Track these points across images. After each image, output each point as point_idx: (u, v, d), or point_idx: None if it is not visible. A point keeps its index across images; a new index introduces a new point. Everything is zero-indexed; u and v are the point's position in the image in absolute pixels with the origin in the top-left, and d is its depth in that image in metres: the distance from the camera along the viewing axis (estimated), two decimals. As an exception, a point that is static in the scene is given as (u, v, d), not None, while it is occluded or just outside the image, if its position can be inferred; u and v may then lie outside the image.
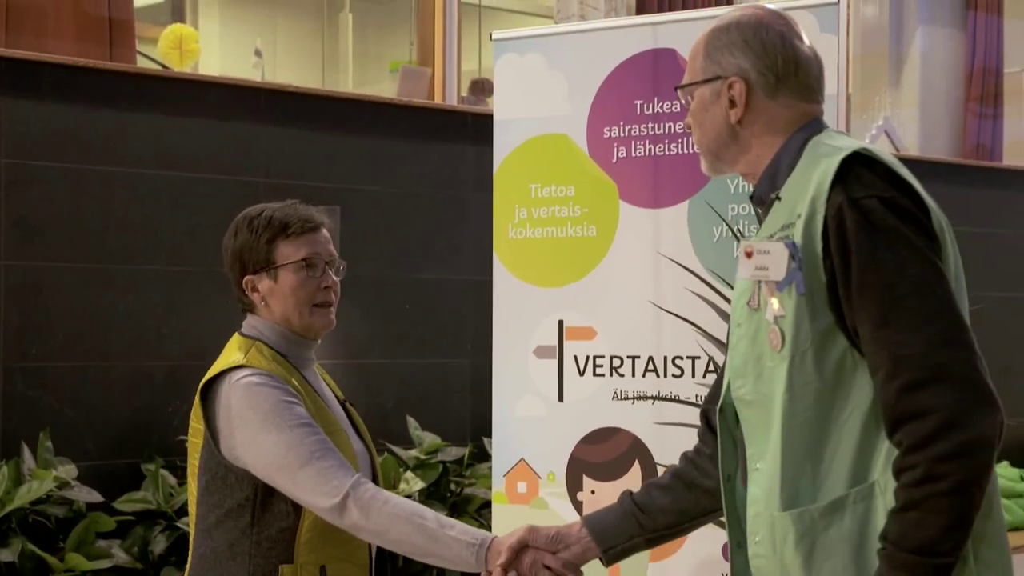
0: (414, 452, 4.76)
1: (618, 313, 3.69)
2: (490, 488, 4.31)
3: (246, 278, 2.58)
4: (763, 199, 2.07)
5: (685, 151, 3.61)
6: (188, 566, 2.59)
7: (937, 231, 1.92)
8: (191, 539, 2.58)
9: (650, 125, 3.67)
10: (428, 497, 4.65)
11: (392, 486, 4.62)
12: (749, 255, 2.00)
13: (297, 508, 2.46)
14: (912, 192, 1.91)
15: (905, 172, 1.94)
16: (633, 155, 3.69)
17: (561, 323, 3.77)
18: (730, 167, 2.12)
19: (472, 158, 5.30)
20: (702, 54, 2.11)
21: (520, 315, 3.82)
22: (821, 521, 1.92)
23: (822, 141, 2.02)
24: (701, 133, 2.12)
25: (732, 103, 2.06)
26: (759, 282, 2.00)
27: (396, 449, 4.79)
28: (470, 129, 5.36)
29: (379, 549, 2.65)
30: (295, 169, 4.96)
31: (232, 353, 2.55)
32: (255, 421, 2.42)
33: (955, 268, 1.97)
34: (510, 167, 3.85)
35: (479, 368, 5.12)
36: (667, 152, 3.65)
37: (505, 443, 3.80)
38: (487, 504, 4.59)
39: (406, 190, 5.22)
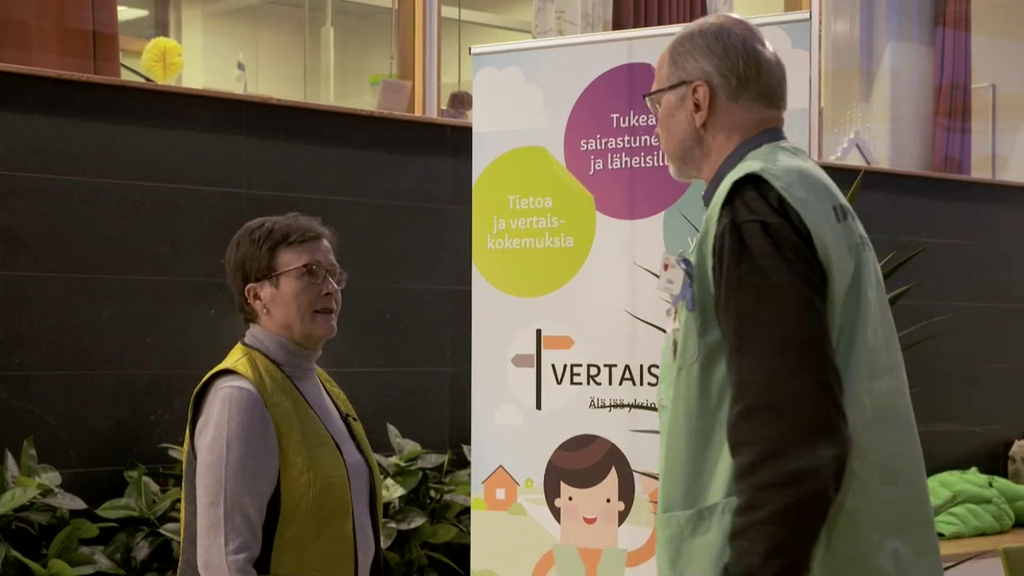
0: (394, 459, 4.76)
1: (595, 322, 3.71)
2: (469, 495, 4.32)
3: (248, 286, 2.60)
4: (705, 206, 2.10)
5: (660, 163, 3.63)
6: (178, 570, 2.59)
7: (822, 259, 1.88)
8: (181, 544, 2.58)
9: (626, 138, 3.69)
10: (408, 503, 4.65)
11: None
12: (665, 267, 2.03)
13: (273, 518, 2.46)
14: (798, 219, 1.88)
15: (798, 197, 1.91)
16: (609, 167, 3.71)
17: (539, 332, 3.78)
18: (696, 172, 2.14)
19: (451, 170, 5.31)
20: (668, 61, 2.13)
21: (499, 324, 3.83)
22: (687, 527, 1.93)
23: (756, 155, 2.03)
24: (668, 138, 2.14)
25: (697, 107, 2.07)
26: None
27: (377, 456, 4.76)
28: (449, 141, 5.37)
29: (373, 568, 2.64)
30: (276, 181, 4.95)
31: (226, 362, 2.57)
32: (211, 433, 2.45)
33: (859, 291, 1.93)
34: (489, 179, 3.87)
35: (458, 377, 5.13)
36: (643, 164, 3.67)
37: (484, 450, 3.81)
38: (466, 510, 4.59)
39: (386, 201, 5.22)
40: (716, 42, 2.08)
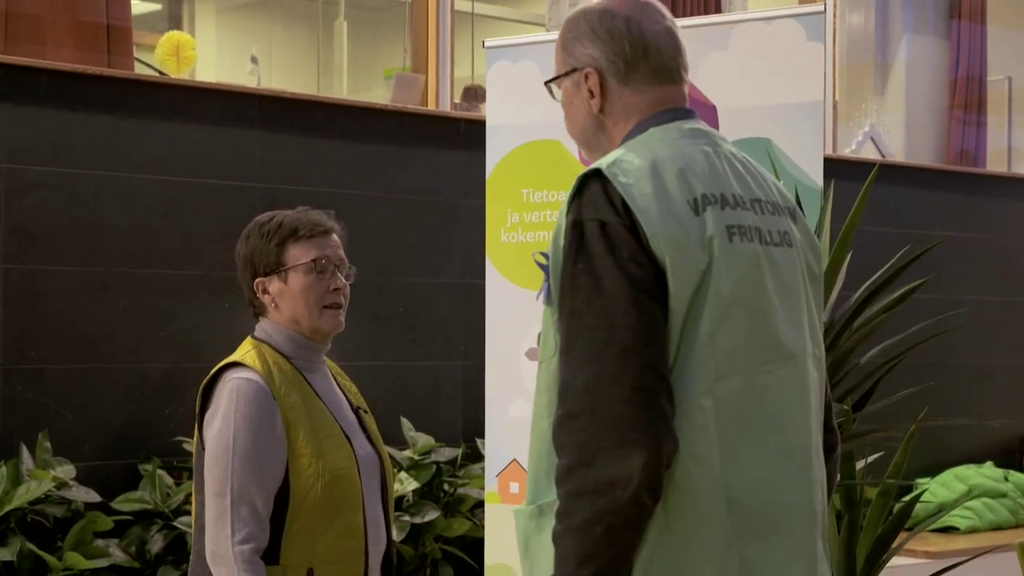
0: (408, 453, 4.76)
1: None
2: (483, 488, 4.32)
3: (257, 280, 2.61)
4: None
5: (674, 157, 3.63)
6: (190, 561, 2.60)
7: (659, 260, 1.82)
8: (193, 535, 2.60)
9: (640, 131, 3.69)
10: (422, 497, 4.66)
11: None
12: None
13: (283, 509, 2.46)
14: (636, 219, 1.83)
15: (641, 194, 1.86)
16: (623, 161, 3.71)
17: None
18: (602, 155, 2.05)
19: (465, 163, 5.31)
20: (560, 47, 2.09)
21: (512, 318, 3.83)
22: (532, 522, 1.93)
23: (633, 143, 1.98)
24: (571, 124, 2.09)
25: (591, 93, 2.03)
26: None
27: (390, 450, 4.75)
28: (463, 135, 5.37)
29: (384, 561, 2.63)
30: (289, 175, 4.96)
31: (236, 353, 2.59)
32: (218, 425, 2.47)
33: (708, 287, 1.85)
34: (502, 172, 3.87)
35: (471, 370, 5.13)
36: (657, 158, 3.66)
37: (498, 444, 3.81)
38: (480, 504, 4.59)
39: (399, 195, 5.22)
40: (600, 26, 2.03)
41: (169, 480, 4.37)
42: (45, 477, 4.01)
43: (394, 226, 5.20)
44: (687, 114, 2.04)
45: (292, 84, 6.42)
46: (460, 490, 4.78)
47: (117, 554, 4.11)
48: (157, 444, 4.53)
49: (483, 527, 4.03)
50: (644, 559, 1.80)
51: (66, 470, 4.18)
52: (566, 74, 2.06)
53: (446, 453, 4.83)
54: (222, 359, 2.61)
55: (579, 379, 1.79)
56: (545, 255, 1.94)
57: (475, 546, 4.59)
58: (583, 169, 1.91)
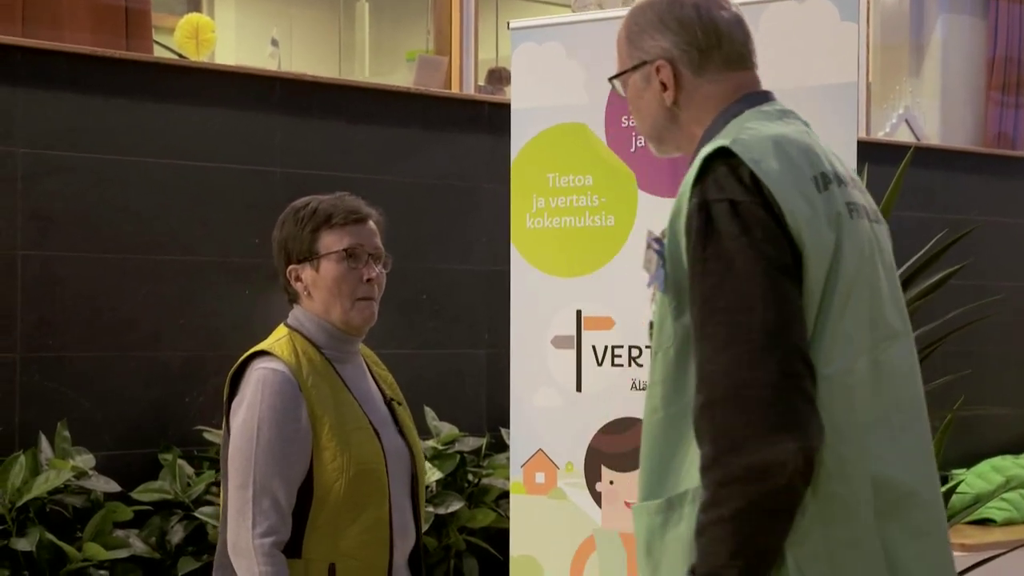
0: (431, 443, 4.76)
1: (636, 303, 3.69)
2: (508, 478, 4.32)
3: (290, 267, 2.60)
4: None
5: (704, 140, 3.61)
6: (216, 551, 2.60)
7: (795, 237, 1.80)
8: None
9: (669, 114, 3.67)
10: (445, 487, 4.66)
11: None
12: (647, 247, 1.98)
13: (306, 503, 2.46)
14: (770, 195, 1.81)
15: (770, 170, 1.83)
16: (651, 144, 3.69)
17: (579, 313, 3.77)
18: (675, 149, 2.08)
19: (489, 148, 5.30)
20: (625, 41, 2.07)
21: (538, 305, 3.82)
22: (658, 517, 1.89)
23: (733, 126, 1.96)
24: (641, 120, 2.08)
25: (664, 86, 2.01)
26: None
27: (413, 440, 4.78)
28: (487, 118, 5.36)
29: (412, 556, 2.62)
30: (310, 159, 4.96)
31: (266, 342, 2.58)
32: (243, 415, 2.46)
33: (840, 263, 1.85)
34: (528, 156, 3.85)
35: (496, 358, 5.13)
36: (686, 141, 3.65)
37: (523, 433, 3.81)
38: (505, 494, 4.60)
39: (422, 180, 5.22)
40: (669, 15, 2.01)
41: (190, 470, 4.38)
42: (64, 467, 4.03)
43: (417, 211, 5.20)
44: (768, 96, 2.03)
45: (313, 67, 6.41)
46: (485, 480, 4.78)
47: (137, 544, 4.13)
48: (177, 433, 4.54)
49: (508, 518, 4.03)
50: (795, 545, 1.78)
51: (85, 459, 4.20)
52: (634, 68, 2.03)
53: (470, 443, 4.83)
54: (244, 346, 2.62)
55: (718, 365, 1.76)
56: (659, 240, 1.91)
57: (500, 537, 4.59)
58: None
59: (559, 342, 3.79)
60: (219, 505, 4.24)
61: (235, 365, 2.56)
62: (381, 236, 2.65)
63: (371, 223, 2.63)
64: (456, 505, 4.59)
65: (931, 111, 7.73)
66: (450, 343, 5.23)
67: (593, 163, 3.76)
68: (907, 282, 3.00)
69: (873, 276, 1.92)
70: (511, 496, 3.88)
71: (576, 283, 3.78)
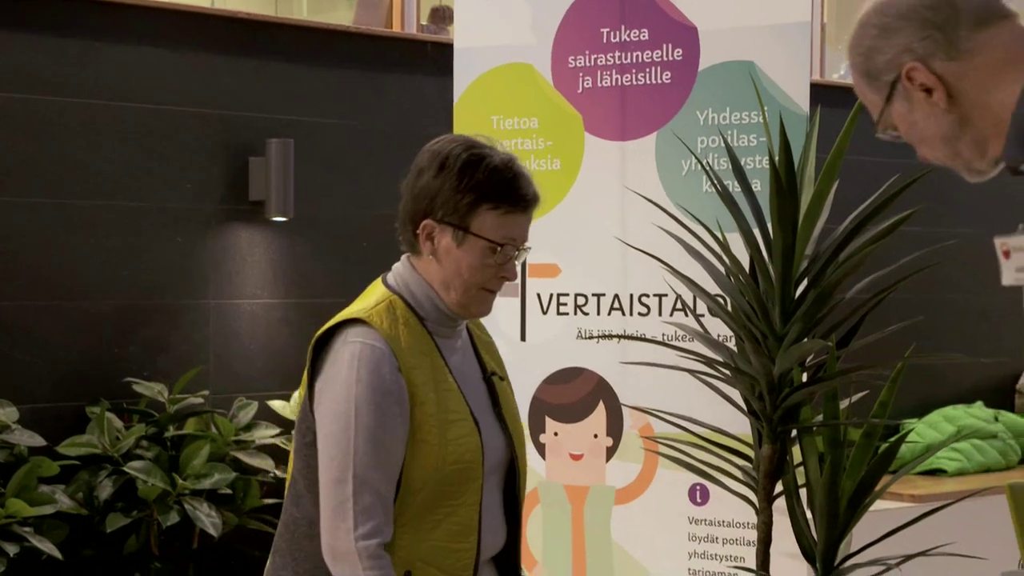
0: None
1: (582, 250, 3.70)
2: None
3: (427, 220, 2.32)
4: (1012, 170, 1.69)
5: (653, 81, 3.60)
6: (276, 532, 2.38)
7: None
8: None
9: (617, 54, 3.66)
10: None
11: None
12: (1007, 255, 1.74)
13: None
14: None
15: None
16: (599, 85, 3.68)
17: (524, 260, 3.77)
18: (980, 155, 1.73)
19: (433, 90, 5.27)
20: (863, 81, 1.76)
21: (481, 252, 3.81)
22: None
23: None
24: (929, 147, 1.75)
25: (927, 91, 1.70)
26: None
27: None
28: (430, 59, 5.32)
29: (502, 562, 2.39)
30: (250, 101, 4.92)
31: (362, 303, 2.33)
32: (337, 397, 2.22)
33: None
34: (471, 98, 3.84)
35: (439, 308, 5.12)
36: (634, 82, 3.64)
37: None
38: (448, 448, 4.61)
39: (363, 123, 5.18)
40: (885, 18, 1.71)
41: (119, 423, 4.36)
42: (-15, 420, 3.99)
43: (358, 156, 5.16)
44: None
45: (250, 5, 6.34)
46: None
47: (63, 500, 4.10)
48: (107, 385, 4.51)
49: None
50: None
51: (8, 412, 4.16)
52: (889, 96, 1.73)
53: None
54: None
55: None
56: None
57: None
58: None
59: (503, 290, 3.79)
60: (150, 460, 4.23)
61: (321, 330, 2.28)
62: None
63: (531, 211, 2.34)
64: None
65: (887, 54, 7.75)
66: (392, 292, 5.22)
67: (539, 105, 3.75)
68: (859, 227, 3.01)
69: None
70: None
71: (521, 229, 3.77)
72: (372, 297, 2.33)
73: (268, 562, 2.36)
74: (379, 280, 2.38)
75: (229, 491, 4.37)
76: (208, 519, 4.21)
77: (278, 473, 4.50)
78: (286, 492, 2.33)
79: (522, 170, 2.34)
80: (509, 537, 2.39)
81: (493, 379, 2.42)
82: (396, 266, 2.39)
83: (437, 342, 2.32)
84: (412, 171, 2.37)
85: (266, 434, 4.57)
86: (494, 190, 2.28)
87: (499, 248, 2.29)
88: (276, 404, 4.76)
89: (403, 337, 2.26)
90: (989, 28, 1.68)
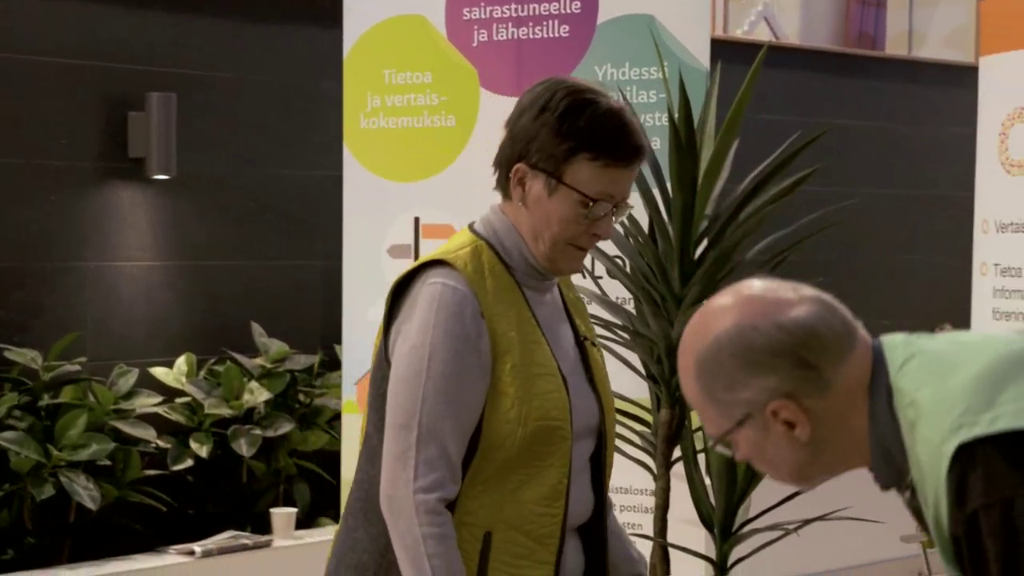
0: (259, 360, 4.72)
1: (479, 209, 3.62)
2: (341, 398, 4.28)
3: (520, 165, 2.21)
4: (893, 486, 1.75)
5: (551, 35, 3.59)
6: (350, 491, 2.29)
7: None
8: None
9: (513, 7, 3.65)
10: (275, 408, 4.63)
11: (235, 397, 4.57)
12: None
13: (468, 453, 2.15)
14: None
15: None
16: (495, 39, 3.66)
17: (417, 220, 3.75)
18: (829, 473, 1.77)
19: (325, 41, 5.19)
20: (707, 402, 1.74)
21: (373, 212, 3.80)
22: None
23: (914, 394, 1.67)
24: (777, 470, 1.77)
25: (789, 425, 1.70)
26: None
27: (240, 357, 4.73)
28: (321, 9, 5.25)
29: (589, 532, 2.31)
30: (130, 52, 4.83)
31: (447, 247, 2.24)
32: (412, 339, 2.14)
33: None
34: (362, 51, 3.82)
35: (331, 271, 5.04)
36: (531, 36, 3.63)
37: (357, 350, 3.77)
38: (338, 415, 4.56)
39: (251, 76, 5.12)
40: (755, 350, 1.68)
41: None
42: None
43: (246, 110, 5.10)
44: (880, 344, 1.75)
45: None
46: (317, 401, 4.77)
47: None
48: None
49: (341, 440, 3.99)
50: None
51: None
52: (739, 424, 1.71)
53: (301, 361, 4.81)
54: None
55: None
56: None
57: (333, 460, 4.56)
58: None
59: (396, 251, 3.77)
60: (22, 431, 4.12)
61: (402, 274, 2.20)
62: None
63: (636, 164, 2.23)
64: (286, 427, 4.56)
65: (791, 9, 7.80)
66: (283, 254, 5.15)
67: (432, 59, 3.72)
68: (758, 187, 3.00)
69: None
70: (343, 415, 3.86)
71: (414, 188, 3.75)
72: (457, 241, 2.24)
73: (339, 523, 2.28)
74: (466, 227, 2.28)
75: (108, 462, 4.30)
76: (85, 492, 4.16)
77: (160, 443, 4.46)
78: (361, 450, 2.24)
79: (630, 121, 2.22)
80: (596, 508, 2.31)
81: (585, 344, 2.33)
82: (487, 215, 2.29)
83: (525, 293, 2.23)
84: (515, 110, 2.25)
85: (147, 402, 4.51)
86: (595, 139, 2.17)
87: (592, 203, 2.18)
88: (158, 371, 4.69)
89: (488, 282, 2.17)
90: (843, 363, 1.70)
